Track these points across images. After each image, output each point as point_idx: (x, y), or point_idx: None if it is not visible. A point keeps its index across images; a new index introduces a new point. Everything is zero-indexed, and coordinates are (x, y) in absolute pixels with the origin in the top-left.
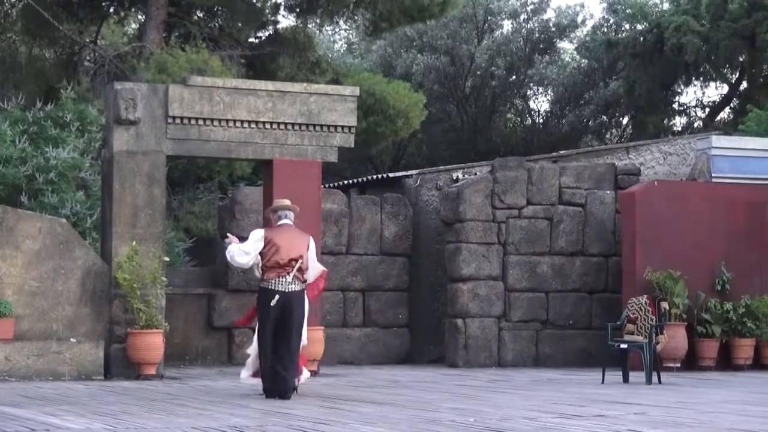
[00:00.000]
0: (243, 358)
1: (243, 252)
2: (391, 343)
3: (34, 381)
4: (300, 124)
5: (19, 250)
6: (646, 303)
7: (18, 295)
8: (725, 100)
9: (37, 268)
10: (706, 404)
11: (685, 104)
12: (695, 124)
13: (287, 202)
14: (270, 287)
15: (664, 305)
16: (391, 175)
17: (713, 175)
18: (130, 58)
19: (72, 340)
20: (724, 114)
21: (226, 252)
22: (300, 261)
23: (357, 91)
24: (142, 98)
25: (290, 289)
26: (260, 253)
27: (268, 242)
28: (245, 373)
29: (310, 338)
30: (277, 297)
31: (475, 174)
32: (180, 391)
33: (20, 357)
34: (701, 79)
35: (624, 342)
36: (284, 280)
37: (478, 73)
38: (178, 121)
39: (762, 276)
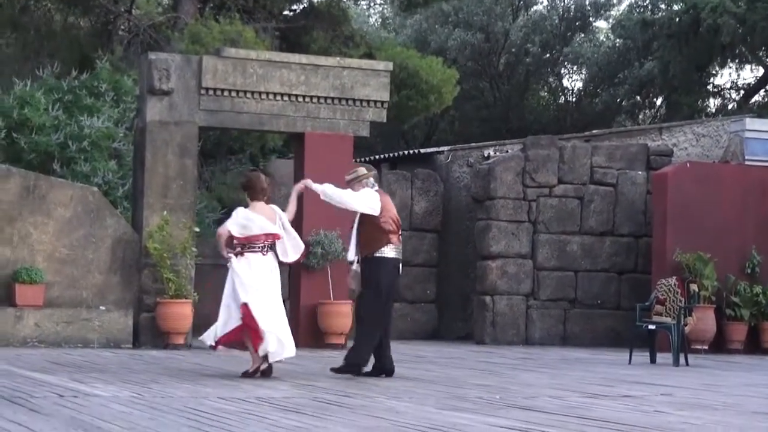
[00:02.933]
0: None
1: (368, 205)
2: (419, 318)
3: (63, 348)
4: (333, 98)
5: (51, 217)
6: (675, 284)
7: (48, 262)
8: (760, 83)
9: (68, 235)
10: (733, 387)
11: (720, 86)
12: (729, 106)
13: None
14: (395, 255)
15: (694, 287)
16: (422, 150)
17: (746, 157)
18: (164, 29)
19: (101, 308)
20: (759, 96)
21: (331, 189)
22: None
23: (390, 66)
24: (175, 69)
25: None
26: (377, 217)
27: (382, 208)
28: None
29: (340, 312)
30: (400, 264)
31: (507, 151)
32: (208, 361)
33: (50, 324)
34: (737, 60)
35: (652, 323)
36: (399, 246)
37: (513, 50)
38: (211, 92)
39: None
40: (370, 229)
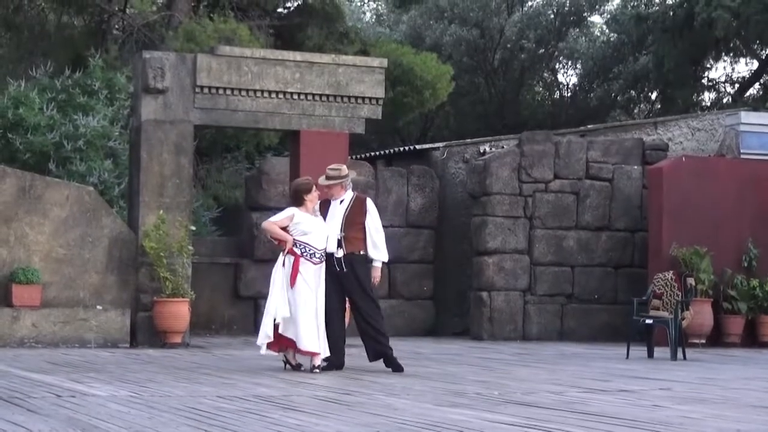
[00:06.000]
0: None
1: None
2: (416, 315)
3: (60, 348)
4: (328, 95)
5: (47, 217)
6: (672, 279)
7: (45, 262)
8: (755, 76)
9: (65, 235)
10: (731, 381)
11: (715, 80)
12: (724, 100)
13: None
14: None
15: (691, 281)
16: (418, 147)
17: (741, 151)
18: (158, 27)
19: (98, 307)
20: (754, 90)
21: None
22: None
23: (385, 62)
24: (170, 67)
25: None
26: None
27: None
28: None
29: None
30: None
31: (503, 147)
32: (205, 360)
33: (47, 324)
34: (731, 54)
35: (649, 317)
36: None
37: (508, 45)
38: (206, 90)
39: None
40: (358, 229)
